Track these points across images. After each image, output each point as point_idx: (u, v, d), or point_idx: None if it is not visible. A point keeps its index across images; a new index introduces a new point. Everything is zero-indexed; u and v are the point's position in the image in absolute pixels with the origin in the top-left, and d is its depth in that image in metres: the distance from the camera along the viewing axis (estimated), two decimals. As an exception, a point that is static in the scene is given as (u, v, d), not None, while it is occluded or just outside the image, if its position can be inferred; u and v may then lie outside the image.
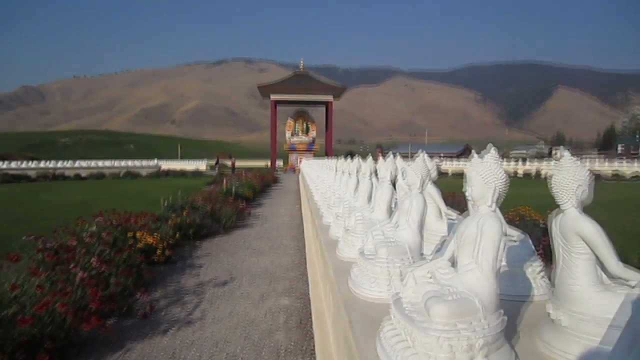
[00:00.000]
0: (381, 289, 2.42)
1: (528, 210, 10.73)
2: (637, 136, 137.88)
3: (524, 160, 72.00)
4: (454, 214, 3.68)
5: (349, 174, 5.69)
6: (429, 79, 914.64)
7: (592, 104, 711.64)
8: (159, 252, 8.67)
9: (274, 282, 7.63)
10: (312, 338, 5.17)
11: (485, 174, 1.93)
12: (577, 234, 1.79)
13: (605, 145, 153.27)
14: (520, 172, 57.73)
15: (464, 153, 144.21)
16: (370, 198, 4.23)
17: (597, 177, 38.28)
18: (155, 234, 9.08)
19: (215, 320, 5.85)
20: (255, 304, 6.51)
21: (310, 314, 5.93)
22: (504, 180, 1.90)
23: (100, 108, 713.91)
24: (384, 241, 2.65)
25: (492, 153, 1.98)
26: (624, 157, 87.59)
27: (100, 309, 5.26)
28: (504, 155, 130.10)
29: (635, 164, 58.30)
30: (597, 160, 73.30)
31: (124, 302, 6.03)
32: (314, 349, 4.85)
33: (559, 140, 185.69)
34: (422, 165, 2.84)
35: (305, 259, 9.01)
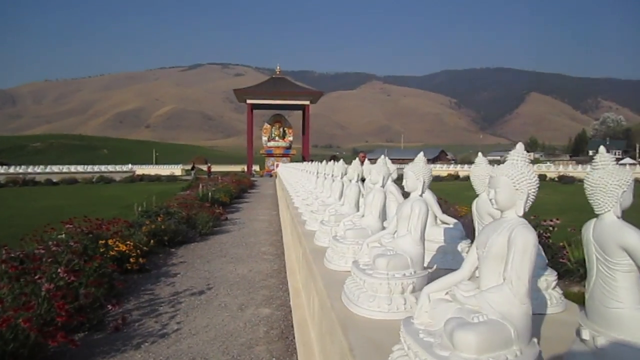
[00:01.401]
0: (381, 307, 2.17)
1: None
2: (608, 141, 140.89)
3: (499, 164, 72.87)
4: (450, 221, 3.50)
5: (333, 177, 5.48)
6: (404, 84, 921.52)
7: (563, 109, 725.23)
8: (132, 260, 8.31)
9: (252, 290, 7.34)
10: (295, 351, 4.90)
11: (517, 178, 1.67)
12: (621, 245, 1.53)
13: (577, 150, 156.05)
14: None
15: (440, 158, 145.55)
16: (357, 203, 4.04)
17: (572, 180, 38.81)
18: (129, 241, 8.72)
19: (191, 332, 5.53)
20: (233, 314, 6.21)
21: (292, 325, 5.67)
22: (537, 184, 1.66)
23: (73, 112, 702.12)
24: (382, 251, 2.44)
25: (520, 152, 1.72)
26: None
27: (67, 323, 4.92)
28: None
29: None
30: (570, 164, 74.79)
31: (94, 315, 5.67)
32: (297, 364, 4.60)
33: (532, 145, 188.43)
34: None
35: (285, 266, 8.75)
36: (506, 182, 1.67)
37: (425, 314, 1.64)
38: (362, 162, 5.41)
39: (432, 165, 73.53)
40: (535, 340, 1.53)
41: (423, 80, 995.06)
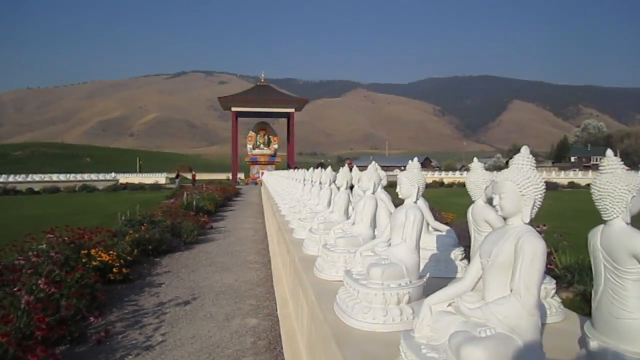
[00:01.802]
0: (376, 318, 2.08)
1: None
2: (589, 147, 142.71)
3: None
4: (442, 228, 3.45)
5: (321, 185, 5.40)
6: (388, 91, 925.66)
7: (545, 117, 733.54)
8: (115, 270, 8.14)
9: (239, 300, 7.22)
10: (284, 362, 4.80)
11: (523, 183, 1.57)
12: (631, 253, 1.44)
13: (559, 157, 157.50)
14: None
15: (424, 165, 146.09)
16: (347, 210, 3.96)
17: (555, 186, 39.26)
18: (112, 251, 8.54)
19: (176, 344, 5.40)
20: (220, 325, 6.08)
21: (280, 335, 5.56)
22: (544, 189, 1.58)
23: (55, 120, 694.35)
24: (376, 260, 2.33)
25: (526, 155, 1.63)
26: (577, 168, 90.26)
27: (48, 336, 4.76)
28: (463, 167, 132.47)
29: (590, 174, 61.59)
30: (553, 170, 75.69)
31: (75, 327, 5.50)
32: (285, 375, 4.49)
33: (515, 152, 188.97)
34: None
35: (271, 275, 8.63)
36: (511, 188, 1.58)
37: (427, 327, 1.54)
38: (350, 169, 5.36)
39: (417, 172, 74.16)
40: (545, 354, 1.44)
41: (407, 87, 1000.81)
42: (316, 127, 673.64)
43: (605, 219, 1.54)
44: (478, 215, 2.42)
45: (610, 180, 1.52)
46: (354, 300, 2.20)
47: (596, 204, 1.55)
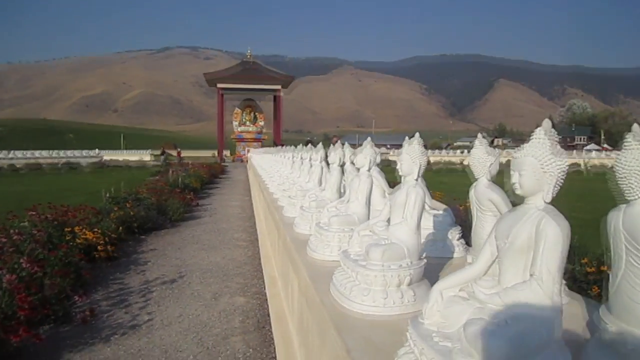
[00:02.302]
0: (376, 302, 1.99)
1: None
2: (574, 127, 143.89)
3: (469, 150, 74.51)
4: (439, 207, 3.40)
5: (311, 162, 5.29)
6: (375, 70, 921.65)
7: (531, 96, 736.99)
8: (100, 248, 7.99)
9: (226, 279, 7.14)
10: (272, 342, 4.73)
11: (545, 158, 1.44)
12: None
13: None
14: (466, 161, 59.39)
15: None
16: (340, 188, 3.87)
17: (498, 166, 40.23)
18: (96, 229, 8.39)
19: (163, 324, 5.31)
20: (207, 304, 6.01)
21: (269, 314, 5.49)
22: (567, 166, 1.47)
23: (37, 96, 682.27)
24: (376, 241, 2.26)
25: (548, 129, 1.50)
26: (562, 148, 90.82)
27: (31, 316, 4.64)
28: (449, 145, 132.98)
29: (574, 154, 62.18)
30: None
31: (60, 307, 5.38)
32: (274, 355, 4.42)
33: (500, 132, 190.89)
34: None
35: (259, 253, 8.55)
36: (533, 164, 1.46)
37: (438, 313, 1.43)
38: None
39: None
40: (563, 342, 1.37)
41: (394, 66, 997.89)
42: (302, 105, 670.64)
43: (629, 198, 1.43)
44: (482, 194, 2.33)
45: (637, 157, 1.41)
46: (352, 283, 2.10)
47: (619, 182, 1.44)
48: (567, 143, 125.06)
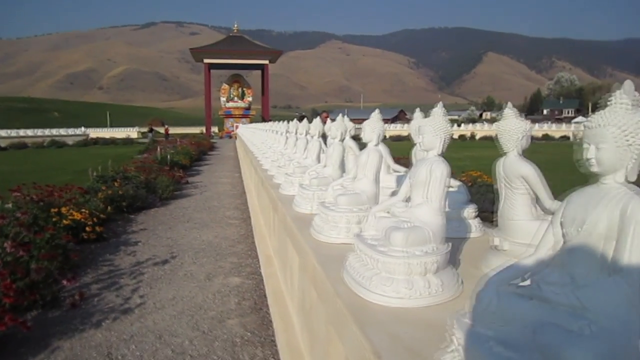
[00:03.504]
0: (400, 292, 1.76)
1: (480, 175, 10.51)
2: (561, 100, 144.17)
3: (459, 124, 74.73)
4: (454, 184, 3.21)
5: (307, 137, 5.05)
6: (363, 43, 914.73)
7: (519, 69, 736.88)
8: (88, 229, 7.74)
9: (220, 258, 6.94)
10: (271, 324, 4.56)
11: (631, 129, 1.19)
12: None
13: (532, 110, 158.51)
14: (456, 135, 59.49)
15: (399, 117, 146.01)
16: (342, 164, 3.65)
17: (532, 139, 40.29)
18: (84, 209, 8.12)
19: (156, 307, 5.11)
20: (201, 285, 5.81)
21: (265, 295, 5.31)
22: None
23: (20, 73, 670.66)
24: (396, 223, 2.01)
25: (631, 92, 1.22)
26: (550, 120, 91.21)
27: (17, 304, 4.42)
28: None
29: (563, 126, 62.79)
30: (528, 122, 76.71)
31: (47, 291, 5.16)
32: (274, 338, 4.25)
33: (488, 105, 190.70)
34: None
35: (252, 231, 8.36)
36: (615, 136, 1.20)
37: (492, 314, 1.18)
38: (324, 122, 5.02)
39: (392, 125, 72.65)
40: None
41: (382, 39, 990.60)
42: (290, 79, 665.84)
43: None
44: (512, 170, 2.08)
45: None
46: (371, 271, 1.88)
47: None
48: (555, 116, 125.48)
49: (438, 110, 2.17)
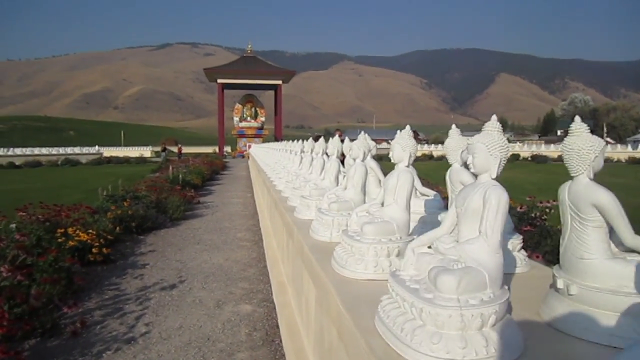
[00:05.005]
0: (451, 351, 1.39)
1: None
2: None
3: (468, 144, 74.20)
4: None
5: (324, 158, 4.74)
6: (375, 64, 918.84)
7: (532, 90, 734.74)
8: (95, 250, 7.46)
9: (230, 283, 6.61)
10: (284, 358, 4.21)
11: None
12: None
13: (546, 130, 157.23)
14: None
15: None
16: (364, 187, 3.35)
17: (544, 159, 39.20)
18: (91, 230, 7.85)
19: (162, 336, 4.79)
20: (210, 313, 5.48)
21: (278, 325, 4.97)
22: None
23: (37, 93, 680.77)
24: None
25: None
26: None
27: (11, 333, 4.11)
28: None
29: None
30: (541, 144, 75.60)
31: (47, 318, 4.86)
32: (288, 376, 3.90)
33: (502, 125, 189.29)
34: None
35: (264, 254, 8.02)
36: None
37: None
38: (341, 141, 4.72)
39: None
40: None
41: (394, 60, 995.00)
42: (303, 100, 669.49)
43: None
44: (583, 197, 1.75)
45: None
46: (413, 322, 1.51)
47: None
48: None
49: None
